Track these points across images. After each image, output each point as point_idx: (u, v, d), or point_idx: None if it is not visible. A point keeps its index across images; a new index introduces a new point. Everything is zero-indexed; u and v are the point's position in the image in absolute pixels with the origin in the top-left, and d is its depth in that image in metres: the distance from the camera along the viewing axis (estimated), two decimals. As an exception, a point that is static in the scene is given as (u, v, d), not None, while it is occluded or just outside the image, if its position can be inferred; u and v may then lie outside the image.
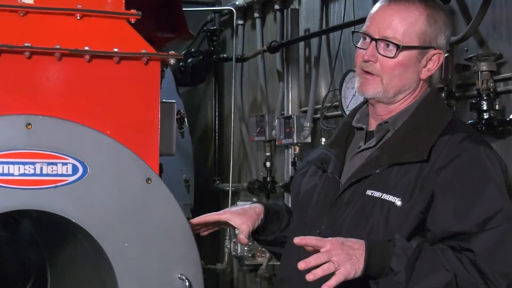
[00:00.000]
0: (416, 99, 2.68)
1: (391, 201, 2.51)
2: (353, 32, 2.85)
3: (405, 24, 2.60)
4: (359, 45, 2.68)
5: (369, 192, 2.56)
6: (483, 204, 2.45)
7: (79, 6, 2.64)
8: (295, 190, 2.86)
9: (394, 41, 2.59)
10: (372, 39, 2.62)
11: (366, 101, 2.79)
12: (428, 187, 2.50)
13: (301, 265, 2.35)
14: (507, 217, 2.44)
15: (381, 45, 2.61)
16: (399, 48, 2.59)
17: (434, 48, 2.64)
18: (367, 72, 2.64)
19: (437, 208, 2.48)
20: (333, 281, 2.34)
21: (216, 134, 6.78)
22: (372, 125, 2.73)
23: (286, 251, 2.78)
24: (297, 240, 2.41)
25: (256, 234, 2.89)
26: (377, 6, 2.68)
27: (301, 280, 2.42)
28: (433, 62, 2.65)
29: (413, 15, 2.61)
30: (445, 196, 2.48)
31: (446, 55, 3.91)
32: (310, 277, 2.32)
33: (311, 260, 2.35)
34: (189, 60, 6.41)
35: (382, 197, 2.53)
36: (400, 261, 2.40)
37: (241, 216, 2.80)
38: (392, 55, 2.60)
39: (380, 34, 2.61)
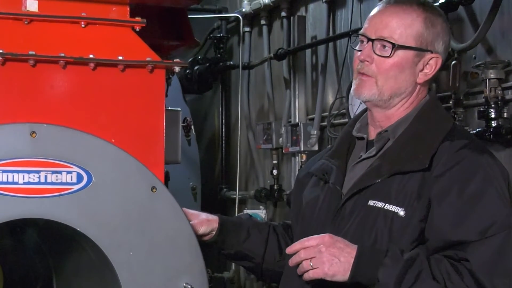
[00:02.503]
0: (415, 107, 2.67)
1: (394, 211, 2.50)
2: (350, 34, 2.85)
3: (401, 25, 2.62)
4: (357, 47, 2.69)
5: (371, 203, 2.55)
6: (480, 212, 2.43)
7: (83, 14, 2.63)
8: (297, 201, 2.84)
9: (390, 40, 2.60)
10: (369, 39, 2.64)
11: (365, 110, 2.77)
12: (426, 195, 2.48)
13: (290, 259, 2.52)
14: (504, 225, 2.41)
15: (378, 45, 2.62)
16: (395, 47, 2.59)
17: (432, 52, 2.63)
18: (363, 74, 2.64)
19: (434, 217, 2.47)
20: (310, 274, 2.47)
21: (223, 141, 6.76)
22: (372, 134, 2.72)
23: (287, 268, 2.76)
24: (287, 250, 2.54)
25: (221, 250, 2.90)
26: (375, 9, 2.70)
27: None
28: (430, 66, 2.65)
29: (410, 17, 2.62)
30: (441, 204, 2.46)
31: (453, 62, 3.95)
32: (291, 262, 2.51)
33: (301, 254, 2.49)
34: (196, 68, 6.40)
35: (384, 207, 2.52)
36: (388, 273, 2.40)
37: (194, 216, 2.80)
38: (388, 54, 2.60)
39: (377, 34, 2.63)
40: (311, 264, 2.46)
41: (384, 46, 2.61)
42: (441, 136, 2.57)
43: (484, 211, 2.43)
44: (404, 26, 2.62)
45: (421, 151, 2.54)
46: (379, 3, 2.73)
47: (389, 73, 2.62)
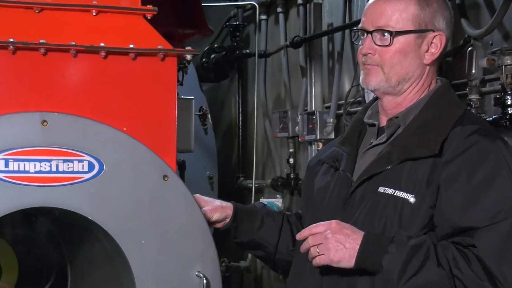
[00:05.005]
0: (426, 93, 2.66)
1: (404, 198, 2.49)
2: (350, 31, 2.85)
3: (396, 11, 2.61)
4: (359, 43, 2.69)
5: (381, 189, 2.54)
6: (489, 198, 2.41)
7: (94, 2, 2.63)
8: (308, 189, 2.83)
9: (387, 29, 2.60)
10: (367, 32, 2.63)
11: (377, 98, 2.76)
12: (436, 181, 2.47)
13: (301, 244, 2.52)
14: None
15: (377, 36, 2.62)
16: (393, 34, 2.59)
17: (433, 31, 2.62)
18: (368, 65, 2.64)
19: (442, 203, 2.45)
20: (317, 260, 2.47)
21: (240, 130, 6.75)
22: (383, 121, 2.71)
23: (296, 259, 2.76)
24: (297, 236, 2.54)
25: (234, 238, 2.89)
26: (368, 2, 2.69)
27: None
28: (435, 45, 2.64)
29: (403, 1, 2.62)
30: (450, 190, 2.45)
31: (469, 49, 3.91)
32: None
33: (309, 240, 2.49)
34: (212, 56, 6.39)
35: (395, 194, 2.51)
36: (392, 260, 2.40)
37: (208, 203, 2.80)
38: (388, 43, 2.60)
39: (374, 25, 2.63)
40: (318, 250, 2.47)
41: (384, 35, 2.61)
42: (452, 122, 2.55)
43: (493, 197, 2.41)
44: (399, 11, 2.61)
45: (431, 137, 2.53)
46: None
47: (393, 60, 2.61)
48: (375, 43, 2.62)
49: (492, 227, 2.38)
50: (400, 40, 2.60)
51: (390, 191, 2.51)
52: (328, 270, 2.52)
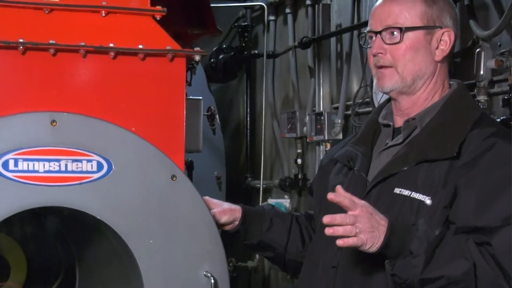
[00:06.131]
0: (440, 92, 2.67)
1: (420, 199, 2.49)
2: (358, 35, 2.85)
3: (404, 9, 2.63)
4: (367, 46, 2.70)
5: (397, 190, 2.54)
6: (505, 200, 2.41)
7: (104, 3, 2.64)
8: (320, 188, 2.83)
9: (396, 26, 2.61)
10: (376, 33, 2.64)
11: (390, 98, 2.76)
12: (452, 182, 2.47)
13: (326, 219, 2.36)
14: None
15: (386, 36, 2.63)
16: (403, 30, 2.60)
17: (441, 28, 2.63)
18: (381, 67, 2.64)
19: (460, 203, 2.46)
20: (350, 241, 2.35)
21: (248, 130, 6.76)
22: (398, 122, 2.70)
23: (308, 259, 2.76)
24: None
25: (243, 240, 2.89)
26: (375, 5, 2.70)
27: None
28: (445, 42, 2.65)
29: (410, 1, 2.63)
30: (468, 191, 2.45)
31: (478, 50, 3.91)
32: (329, 231, 2.35)
33: (337, 217, 2.36)
34: (221, 57, 6.40)
35: (411, 196, 2.51)
36: (421, 245, 2.38)
37: (217, 205, 2.80)
38: (398, 40, 2.60)
39: (383, 24, 2.63)
40: (357, 230, 2.36)
41: (393, 33, 2.62)
42: (470, 125, 2.56)
43: (508, 199, 2.41)
44: (407, 9, 2.62)
45: (449, 139, 2.53)
46: None
47: (405, 57, 2.62)
48: (384, 42, 2.62)
49: (507, 227, 2.39)
50: (410, 36, 2.61)
51: (406, 192, 2.51)
52: (343, 269, 2.52)
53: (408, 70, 2.62)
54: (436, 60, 2.65)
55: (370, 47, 2.67)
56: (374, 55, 2.65)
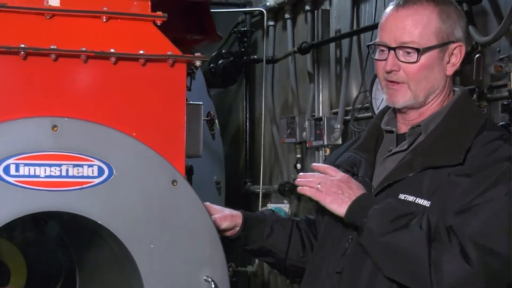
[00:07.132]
0: (447, 102, 2.66)
1: (425, 205, 2.48)
2: (368, 45, 2.83)
3: (419, 26, 2.58)
4: (376, 57, 2.67)
5: (402, 196, 2.54)
6: (484, 213, 2.41)
7: (105, 9, 2.64)
8: None
9: (413, 46, 2.57)
10: (390, 48, 2.60)
11: None
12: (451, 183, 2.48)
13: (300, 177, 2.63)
14: (506, 198, 2.40)
15: (400, 52, 2.59)
16: (420, 51, 2.57)
17: (454, 42, 2.61)
18: (393, 82, 2.62)
19: (449, 202, 2.46)
20: (307, 191, 2.59)
21: (247, 136, 6.76)
22: (402, 128, 2.70)
23: (311, 265, 2.77)
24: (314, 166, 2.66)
25: (244, 246, 2.90)
26: (385, 14, 2.65)
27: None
28: (456, 56, 2.63)
29: (425, 16, 2.59)
30: (456, 190, 2.46)
31: (477, 56, 3.92)
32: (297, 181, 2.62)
33: (308, 175, 2.62)
34: (220, 62, 6.40)
35: (415, 201, 2.50)
36: (378, 211, 2.45)
37: (218, 211, 2.82)
38: (414, 60, 2.58)
39: (397, 41, 2.59)
40: (318, 185, 2.56)
41: (408, 52, 2.58)
42: (475, 131, 2.55)
43: (487, 214, 2.41)
44: (422, 26, 2.58)
45: (455, 146, 2.53)
46: (390, 5, 2.68)
47: (419, 76, 2.59)
48: (398, 59, 2.59)
49: (477, 206, 2.41)
50: (425, 55, 2.58)
51: (411, 198, 2.51)
52: (348, 275, 2.53)
53: (421, 88, 2.60)
54: (447, 74, 2.64)
55: (383, 60, 2.63)
56: (388, 72, 2.61)
